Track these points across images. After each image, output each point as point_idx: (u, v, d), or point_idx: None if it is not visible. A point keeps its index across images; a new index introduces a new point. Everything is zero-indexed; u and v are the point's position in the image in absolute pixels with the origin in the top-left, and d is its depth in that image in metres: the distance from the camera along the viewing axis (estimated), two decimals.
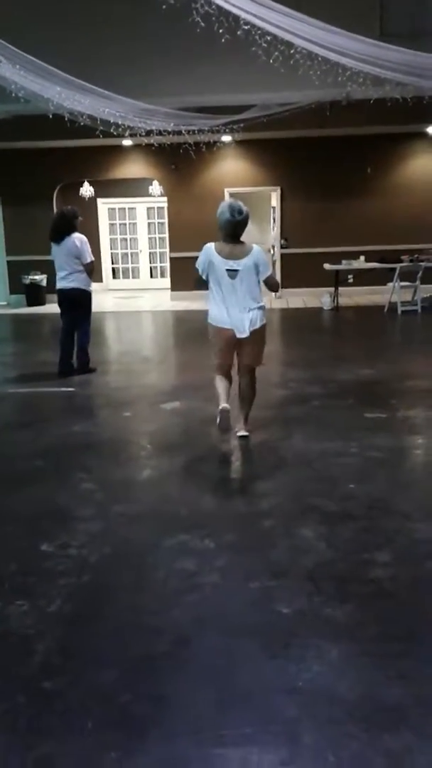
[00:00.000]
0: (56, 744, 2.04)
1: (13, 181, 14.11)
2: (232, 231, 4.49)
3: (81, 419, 5.65)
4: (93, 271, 7.37)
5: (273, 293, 4.80)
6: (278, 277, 4.74)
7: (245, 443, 4.83)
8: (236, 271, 4.47)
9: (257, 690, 2.24)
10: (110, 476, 4.31)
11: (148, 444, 5.01)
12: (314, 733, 2.04)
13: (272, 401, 5.90)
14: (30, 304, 14.25)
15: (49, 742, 2.05)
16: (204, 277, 4.60)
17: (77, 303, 7.26)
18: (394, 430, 5.06)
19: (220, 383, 4.82)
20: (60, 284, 7.25)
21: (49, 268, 10.77)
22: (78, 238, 7.08)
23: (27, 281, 14.20)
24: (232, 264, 4.47)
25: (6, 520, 3.69)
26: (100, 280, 16.77)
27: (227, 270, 4.48)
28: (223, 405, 4.65)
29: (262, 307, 4.63)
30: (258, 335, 4.64)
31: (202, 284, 4.69)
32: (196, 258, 4.59)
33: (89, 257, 7.17)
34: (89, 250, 7.16)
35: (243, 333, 4.56)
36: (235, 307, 4.53)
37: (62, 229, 7.10)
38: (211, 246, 4.56)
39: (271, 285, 4.76)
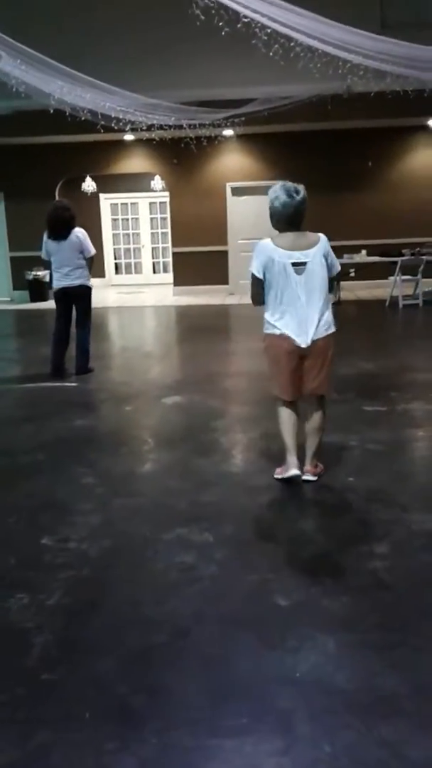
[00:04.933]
0: (54, 734, 2.06)
1: (15, 176, 14.11)
2: (293, 216, 3.65)
3: (82, 413, 5.66)
4: (93, 264, 7.11)
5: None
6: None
7: (245, 438, 4.83)
8: (304, 264, 3.64)
9: (254, 681, 2.26)
10: (111, 470, 4.32)
11: (149, 438, 5.03)
12: (310, 723, 2.06)
13: (271, 394, 5.89)
14: (33, 300, 14.28)
15: (48, 732, 2.07)
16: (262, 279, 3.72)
17: (80, 301, 6.96)
18: (393, 423, 5.06)
19: (287, 420, 3.88)
20: (63, 282, 6.86)
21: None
22: (80, 231, 6.85)
23: (30, 277, 14.22)
24: (299, 256, 3.64)
25: (7, 513, 3.71)
26: (102, 275, 16.77)
27: (293, 264, 3.63)
28: (292, 471, 3.75)
29: (331, 310, 3.83)
30: (325, 346, 3.79)
31: (261, 296, 3.80)
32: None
33: (93, 249, 7.00)
34: (90, 242, 6.98)
35: (308, 339, 3.72)
36: (302, 310, 3.68)
37: (68, 223, 6.77)
38: (267, 242, 3.69)
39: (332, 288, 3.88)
